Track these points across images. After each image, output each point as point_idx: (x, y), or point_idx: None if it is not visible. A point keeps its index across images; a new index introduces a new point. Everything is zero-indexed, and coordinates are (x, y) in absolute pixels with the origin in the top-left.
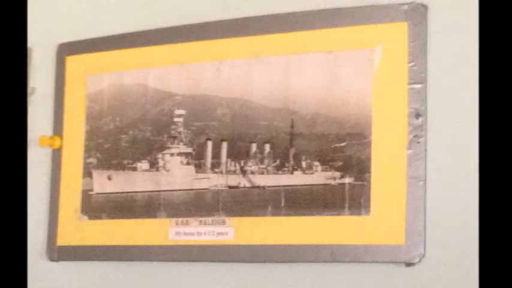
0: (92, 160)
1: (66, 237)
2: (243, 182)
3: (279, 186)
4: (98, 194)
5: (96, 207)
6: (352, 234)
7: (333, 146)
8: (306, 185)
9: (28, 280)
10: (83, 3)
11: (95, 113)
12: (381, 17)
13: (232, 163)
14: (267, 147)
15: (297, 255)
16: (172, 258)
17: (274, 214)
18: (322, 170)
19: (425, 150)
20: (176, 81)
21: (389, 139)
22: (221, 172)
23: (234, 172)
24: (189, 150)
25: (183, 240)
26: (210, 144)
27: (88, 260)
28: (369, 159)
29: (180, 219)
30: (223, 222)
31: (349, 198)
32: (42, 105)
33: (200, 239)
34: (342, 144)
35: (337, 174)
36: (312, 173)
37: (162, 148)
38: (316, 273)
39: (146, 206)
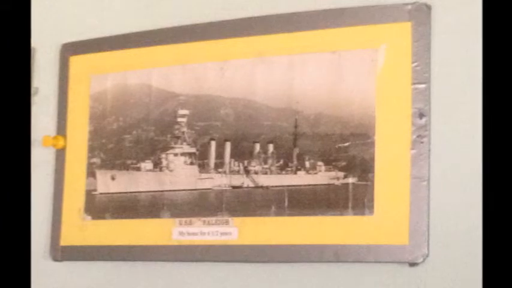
0: (96, 160)
1: (69, 237)
2: (247, 182)
3: (282, 186)
4: (101, 194)
5: (99, 207)
6: (356, 234)
7: (336, 146)
8: (310, 185)
9: (31, 280)
10: (87, 3)
11: (98, 113)
12: (384, 17)
13: (236, 163)
14: (271, 147)
15: (300, 255)
16: (176, 258)
17: (277, 214)
18: (326, 170)
19: (429, 150)
20: (180, 81)
21: (393, 139)
22: (225, 172)
23: (238, 172)
24: (193, 150)
25: (187, 240)
26: (213, 144)
27: (91, 260)
28: (372, 159)
29: (183, 219)
30: (227, 222)
31: (353, 198)
32: (46, 105)
33: (204, 239)
34: (346, 144)
35: (341, 174)
36: (316, 173)
37: (166, 148)
38: (319, 273)
39: (150, 206)
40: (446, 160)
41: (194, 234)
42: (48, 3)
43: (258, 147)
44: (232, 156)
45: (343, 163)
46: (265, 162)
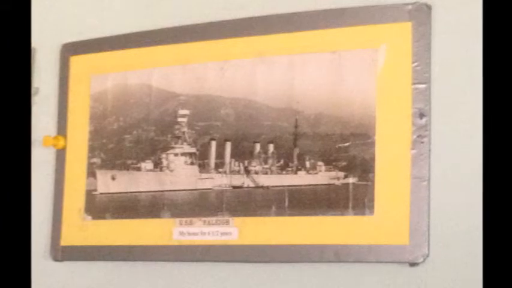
0: (96, 160)
1: (70, 237)
2: (247, 182)
3: (282, 186)
4: (101, 194)
5: (100, 207)
6: (356, 234)
7: (336, 146)
8: (310, 185)
9: (32, 280)
10: (87, 3)
11: (98, 113)
12: (384, 17)
13: (236, 163)
14: (271, 147)
15: (300, 255)
16: (176, 258)
17: (278, 214)
18: (326, 170)
19: (429, 150)
20: (180, 81)
21: (393, 139)
22: (225, 172)
23: (238, 172)
24: (193, 150)
25: (187, 240)
26: (214, 144)
27: (92, 260)
28: (372, 159)
29: (184, 219)
30: (227, 222)
31: (353, 198)
32: (46, 105)
33: (204, 239)
34: (346, 144)
35: (341, 174)
36: (316, 173)
37: (166, 148)
38: (320, 273)
39: (150, 206)
40: (446, 160)
41: (194, 234)
42: (48, 3)
43: (258, 147)
44: (232, 156)
45: (344, 163)
46: (266, 162)
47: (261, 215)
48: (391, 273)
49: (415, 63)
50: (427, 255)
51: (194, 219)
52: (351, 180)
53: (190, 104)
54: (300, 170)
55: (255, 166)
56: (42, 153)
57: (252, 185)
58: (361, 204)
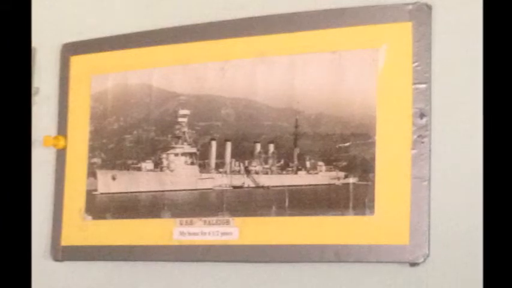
0: (96, 160)
1: (70, 237)
2: (247, 182)
3: (283, 186)
4: (102, 194)
5: (100, 207)
6: (357, 234)
7: (337, 146)
8: (310, 185)
9: (32, 280)
10: (87, 3)
11: (99, 113)
12: (385, 17)
13: (237, 163)
14: (271, 147)
15: (301, 255)
16: (177, 258)
17: (278, 214)
18: (327, 170)
19: (430, 150)
20: (180, 81)
21: (394, 139)
22: (225, 172)
23: (238, 172)
24: (194, 150)
25: (188, 240)
26: (214, 144)
27: (92, 260)
28: (373, 159)
29: (184, 219)
30: (228, 222)
31: (354, 198)
32: (47, 105)
33: (204, 239)
34: (346, 144)
35: (342, 174)
36: (316, 173)
37: (167, 148)
38: (320, 273)
39: (150, 206)
40: (446, 160)
41: (195, 234)
42: (48, 3)
43: (258, 147)
44: (233, 156)
45: (344, 163)
46: (266, 162)
47: (261, 215)
48: (391, 273)
49: (416, 63)
50: (428, 255)
51: (194, 219)
52: (351, 180)
53: (190, 104)
54: (300, 170)
55: (256, 166)
56: (43, 153)
57: (252, 185)
58: (362, 204)
